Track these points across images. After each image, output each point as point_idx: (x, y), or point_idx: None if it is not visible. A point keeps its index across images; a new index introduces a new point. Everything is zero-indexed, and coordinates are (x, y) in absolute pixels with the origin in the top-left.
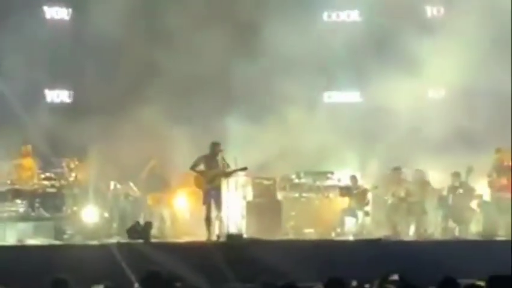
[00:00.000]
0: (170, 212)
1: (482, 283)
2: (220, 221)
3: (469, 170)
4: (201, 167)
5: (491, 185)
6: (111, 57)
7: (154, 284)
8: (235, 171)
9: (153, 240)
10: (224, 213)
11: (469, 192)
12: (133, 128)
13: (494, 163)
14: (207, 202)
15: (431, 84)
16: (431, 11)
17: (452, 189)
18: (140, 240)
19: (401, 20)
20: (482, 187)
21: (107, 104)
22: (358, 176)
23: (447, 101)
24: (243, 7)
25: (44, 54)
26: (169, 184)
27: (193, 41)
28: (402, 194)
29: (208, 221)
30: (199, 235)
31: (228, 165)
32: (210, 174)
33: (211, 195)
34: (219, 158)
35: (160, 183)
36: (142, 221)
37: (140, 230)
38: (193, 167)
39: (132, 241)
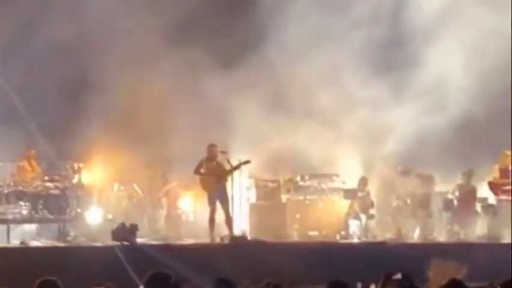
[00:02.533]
0: (168, 213)
1: None
2: (229, 222)
3: (471, 173)
4: (203, 170)
5: (492, 187)
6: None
7: (160, 286)
8: (239, 165)
9: (154, 242)
10: (231, 214)
11: (473, 195)
12: (136, 129)
13: (500, 166)
14: (212, 203)
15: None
16: None
17: (458, 191)
18: (126, 243)
19: None
20: (486, 190)
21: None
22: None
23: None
24: None
25: None
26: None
27: None
28: (407, 197)
29: (212, 222)
30: (203, 237)
31: (228, 165)
32: (215, 175)
33: (217, 196)
34: (220, 159)
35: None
36: (146, 223)
37: (125, 232)
38: (196, 170)
39: (117, 243)
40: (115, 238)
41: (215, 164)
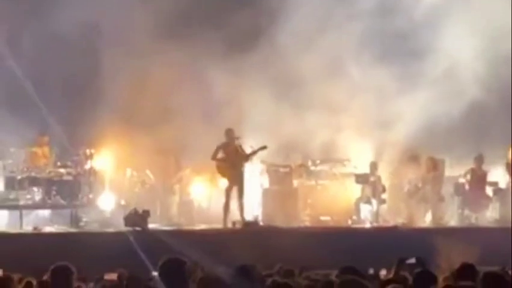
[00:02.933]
0: (181, 200)
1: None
2: (241, 208)
3: (482, 158)
4: (220, 155)
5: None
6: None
7: (175, 272)
8: (255, 152)
9: (167, 227)
10: (244, 199)
11: (484, 179)
12: (148, 115)
13: None
14: (229, 189)
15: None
16: None
17: (468, 175)
18: (138, 228)
19: None
20: (496, 175)
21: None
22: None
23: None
24: None
25: None
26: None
27: None
28: (418, 181)
29: (226, 207)
30: (215, 223)
31: (244, 150)
32: (232, 161)
33: (234, 182)
34: (237, 145)
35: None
36: (158, 209)
37: (137, 218)
38: (213, 157)
39: (130, 229)
40: (127, 224)
41: (232, 148)
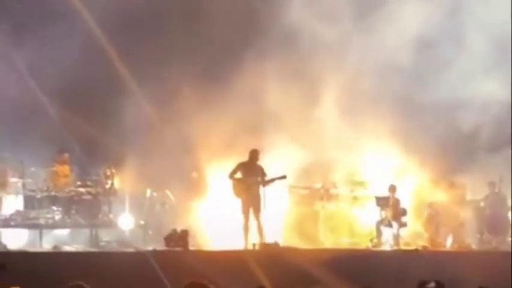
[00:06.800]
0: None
1: None
2: (260, 230)
3: (501, 180)
4: (239, 174)
5: None
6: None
7: None
8: (274, 179)
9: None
10: (262, 221)
11: (504, 202)
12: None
13: None
14: (245, 211)
15: None
16: None
17: (489, 199)
18: (178, 248)
19: None
20: None
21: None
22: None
23: None
24: None
25: None
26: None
27: None
28: (439, 205)
29: (246, 229)
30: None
31: (265, 174)
32: (249, 182)
33: (250, 204)
34: (258, 166)
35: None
36: (178, 229)
37: (178, 238)
38: (231, 175)
39: (170, 249)
40: (167, 244)
41: (252, 169)
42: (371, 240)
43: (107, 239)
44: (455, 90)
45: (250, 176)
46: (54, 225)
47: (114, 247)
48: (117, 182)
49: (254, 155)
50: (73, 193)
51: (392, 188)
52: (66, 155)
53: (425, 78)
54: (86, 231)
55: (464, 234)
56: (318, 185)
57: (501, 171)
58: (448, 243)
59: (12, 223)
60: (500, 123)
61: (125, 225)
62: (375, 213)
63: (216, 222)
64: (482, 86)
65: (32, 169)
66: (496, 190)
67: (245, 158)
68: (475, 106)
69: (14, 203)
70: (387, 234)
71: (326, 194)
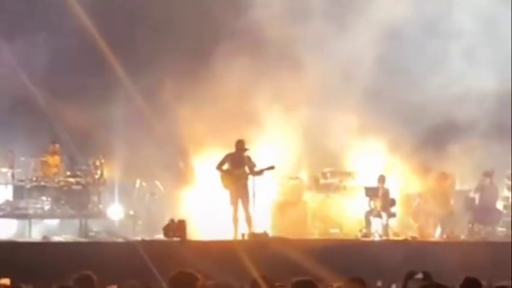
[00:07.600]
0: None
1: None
2: (249, 220)
3: (493, 172)
4: (227, 165)
5: None
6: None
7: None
8: (262, 170)
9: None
10: (251, 212)
11: (495, 193)
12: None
13: None
14: (234, 202)
15: None
16: None
17: (479, 190)
18: (176, 238)
19: None
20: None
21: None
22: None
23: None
24: None
25: None
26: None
27: None
28: (428, 195)
29: (235, 220)
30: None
31: (254, 165)
32: (237, 173)
33: (239, 195)
34: (245, 156)
35: None
36: (167, 220)
37: (176, 228)
38: (219, 166)
39: (159, 239)
40: (166, 234)
41: (240, 160)
42: (360, 231)
43: (96, 229)
44: (447, 85)
45: (237, 167)
46: (44, 216)
47: (103, 237)
48: (106, 172)
49: (240, 145)
50: (63, 183)
51: (381, 179)
52: (57, 145)
53: (414, 71)
54: (75, 222)
55: (453, 225)
56: (307, 175)
57: (492, 162)
58: (437, 234)
59: (1, 213)
60: (494, 114)
61: (115, 216)
62: (364, 204)
63: (205, 213)
64: (474, 78)
65: (22, 159)
66: (489, 180)
67: (232, 147)
68: (468, 97)
69: (3, 193)
70: (377, 224)
71: (315, 185)
